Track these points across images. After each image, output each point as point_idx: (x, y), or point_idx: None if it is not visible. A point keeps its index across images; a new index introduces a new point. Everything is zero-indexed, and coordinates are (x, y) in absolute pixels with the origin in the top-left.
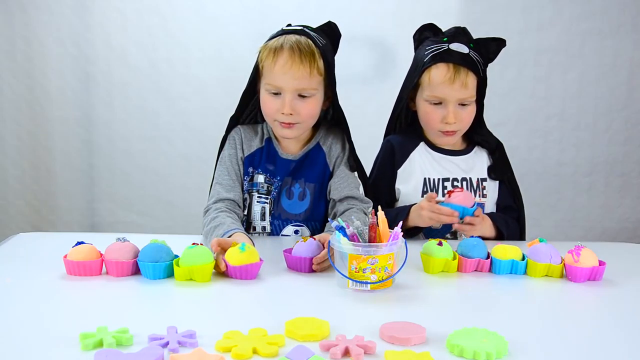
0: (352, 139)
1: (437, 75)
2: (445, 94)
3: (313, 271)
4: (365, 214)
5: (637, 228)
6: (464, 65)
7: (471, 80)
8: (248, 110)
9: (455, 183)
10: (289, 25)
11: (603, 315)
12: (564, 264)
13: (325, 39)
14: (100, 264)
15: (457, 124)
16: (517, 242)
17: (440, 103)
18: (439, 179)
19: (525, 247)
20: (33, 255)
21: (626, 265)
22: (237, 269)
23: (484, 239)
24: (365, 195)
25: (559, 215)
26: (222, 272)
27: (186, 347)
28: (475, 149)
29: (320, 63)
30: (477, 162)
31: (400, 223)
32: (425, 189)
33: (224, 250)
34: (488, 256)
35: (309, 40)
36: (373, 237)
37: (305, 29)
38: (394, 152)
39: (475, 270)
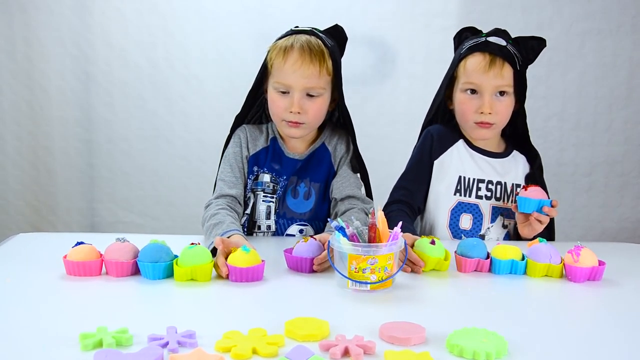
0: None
1: (473, 63)
2: (481, 81)
3: (314, 271)
4: (367, 214)
5: (637, 228)
6: (500, 56)
7: (507, 71)
8: (254, 111)
9: (490, 186)
10: (297, 27)
11: (603, 315)
12: (564, 264)
13: (333, 41)
14: (100, 264)
15: (493, 115)
16: (517, 242)
17: (475, 92)
18: (473, 179)
19: (525, 247)
20: (33, 255)
21: (626, 265)
22: (244, 271)
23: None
24: (384, 190)
25: (559, 215)
26: (224, 277)
27: (186, 347)
28: (514, 152)
29: (329, 63)
30: (514, 167)
31: (400, 223)
32: (458, 187)
33: (226, 253)
34: (488, 256)
35: (318, 40)
36: (373, 237)
37: (314, 30)
38: (432, 141)
39: (475, 270)
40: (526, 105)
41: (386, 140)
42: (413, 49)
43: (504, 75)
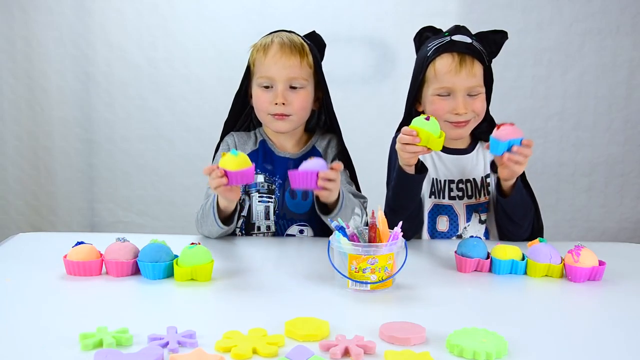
0: (352, 139)
1: (443, 65)
2: (453, 83)
3: (318, 187)
4: (363, 206)
5: (637, 228)
6: (469, 54)
7: (477, 68)
8: (242, 120)
9: (460, 185)
10: (276, 30)
11: (603, 315)
12: (564, 264)
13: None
14: (100, 264)
15: (468, 113)
16: (517, 242)
17: (448, 95)
18: (444, 181)
19: (525, 247)
20: (33, 255)
21: (626, 265)
22: (237, 174)
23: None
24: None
25: (559, 215)
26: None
27: (186, 347)
28: (479, 144)
29: (310, 57)
30: (481, 159)
31: (400, 223)
32: (432, 189)
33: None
34: (488, 256)
35: (298, 36)
36: (373, 237)
37: (292, 31)
38: None
39: (475, 270)
40: (526, 105)
41: (386, 140)
42: (413, 49)
43: (476, 73)
